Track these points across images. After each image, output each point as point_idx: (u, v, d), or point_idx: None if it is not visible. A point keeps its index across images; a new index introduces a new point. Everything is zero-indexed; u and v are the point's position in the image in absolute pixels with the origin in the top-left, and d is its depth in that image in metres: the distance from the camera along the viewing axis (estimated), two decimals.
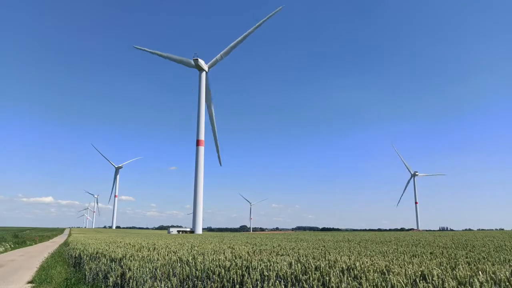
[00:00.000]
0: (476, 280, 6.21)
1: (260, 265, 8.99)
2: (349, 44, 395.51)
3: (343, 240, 27.44)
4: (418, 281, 6.63)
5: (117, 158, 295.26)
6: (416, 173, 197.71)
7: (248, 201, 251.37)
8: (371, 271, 7.68)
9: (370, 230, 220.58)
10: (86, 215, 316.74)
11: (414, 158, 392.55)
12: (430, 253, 13.64)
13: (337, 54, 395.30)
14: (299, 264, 8.70)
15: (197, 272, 9.10)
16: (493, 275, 6.65)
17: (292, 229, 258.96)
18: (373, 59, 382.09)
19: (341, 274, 7.49)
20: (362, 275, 7.24)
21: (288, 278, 7.76)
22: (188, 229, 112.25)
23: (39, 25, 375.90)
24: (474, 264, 9.07)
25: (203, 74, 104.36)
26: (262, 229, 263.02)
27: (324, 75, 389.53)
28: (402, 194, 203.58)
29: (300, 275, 7.76)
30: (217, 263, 9.63)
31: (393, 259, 10.59)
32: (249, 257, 11.06)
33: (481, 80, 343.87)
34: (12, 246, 37.21)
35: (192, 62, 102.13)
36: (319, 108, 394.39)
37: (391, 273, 7.37)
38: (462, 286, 5.99)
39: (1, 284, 13.67)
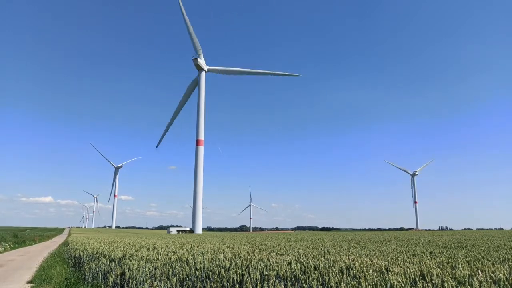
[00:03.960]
0: (475, 279, 6.21)
1: (260, 264, 9.00)
2: (349, 43, 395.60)
3: (343, 240, 27.45)
4: (417, 280, 6.63)
5: (116, 158, 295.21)
6: (416, 173, 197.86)
7: (251, 199, 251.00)
8: (371, 270, 7.68)
9: (369, 229, 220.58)
10: (86, 215, 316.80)
11: (414, 158, 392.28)
12: (430, 252, 13.65)
13: (337, 54, 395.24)
14: (298, 264, 8.70)
15: (196, 271, 9.10)
16: (492, 275, 6.65)
17: (292, 229, 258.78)
18: (373, 59, 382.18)
19: (340, 273, 7.49)
20: (361, 274, 7.24)
21: (288, 278, 7.76)
22: (187, 229, 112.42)
23: (39, 25, 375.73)
24: (474, 264, 9.07)
25: (203, 73, 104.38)
26: (261, 229, 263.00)
27: (324, 74, 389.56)
28: (395, 166, 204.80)
29: (300, 275, 7.76)
30: (216, 262, 9.63)
31: (392, 258, 10.59)
32: (248, 256, 11.06)
33: (481, 80, 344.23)
34: (11, 246, 37.20)
35: (199, 50, 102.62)
36: (319, 107, 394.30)
37: (390, 272, 7.37)
38: (462, 286, 5.99)
39: (1, 284, 13.66)
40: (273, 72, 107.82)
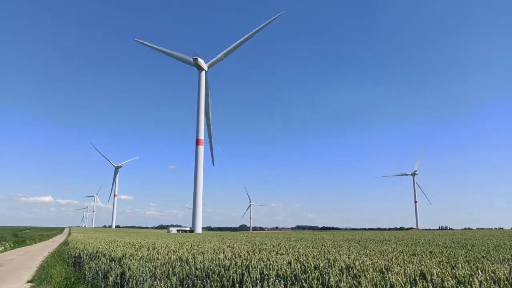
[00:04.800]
0: (475, 279, 6.22)
1: (260, 264, 9.00)
2: (349, 43, 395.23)
3: (343, 239, 27.47)
4: (417, 280, 6.63)
5: (116, 158, 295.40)
6: (416, 172, 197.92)
7: (249, 199, 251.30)
8: (371, 270, 7.69)
9: (369, 229, 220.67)
10: (86, 214, 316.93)
11: (413, 157, 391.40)
12: (430, 252, 13.66)
13: (337, 53, 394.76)
14: (298, 263, 8.70)
15: (196, 271, 9.11)
16: (492, 274, 6.66)
17: (292, 228, 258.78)
18: (373, 59, 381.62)
19: (340, 273, 7.50)
20: (361, 274, 7.24)
21: (288, 277, 7.76)
22: (187, 228, 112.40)
23: (39, 25, 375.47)
24: (474, 263, 9.08)
25: (203, 73, 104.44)
26: (261, 229, 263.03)
27: (324, 74, 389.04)
28: (390, 176, 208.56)
29: (300, 274, 7.77)
30: (216, 262, 9.64)
31: (392, 258, 10.60)
32: (248, 256, 11.06)
33: (481, 80, 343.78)
34: (11, 245, 37.20)
35: (191, 60, 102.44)
36: (319, 107, 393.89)
37: (390, 272, 7.38)
38: (462, 285, 5.99)
39: (1, 283, 13.66)
40: (260, 27, 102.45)
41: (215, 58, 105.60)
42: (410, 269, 7.38)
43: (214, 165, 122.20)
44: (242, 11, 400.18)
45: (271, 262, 9.21)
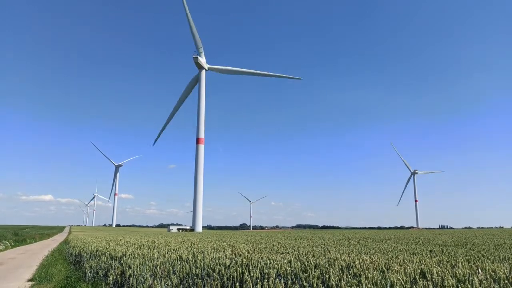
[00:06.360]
0: (475, 278, 6.22)
1: (260, 263, 9.01)
2: (349, 43, 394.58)
3: (343, 238, 27.49)
4: (418, 279, 6.63)
5: (117, 157, 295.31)
6: (416, 171, 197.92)
7: (248, 199, 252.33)
8: (371, 269, 7.69)
9: (370, 228, 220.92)
10: (86, 213, 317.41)
11: (413, 157, 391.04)
12: (430, 251, 13.66)
13: (337, 54, 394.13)
14: (298, 262, 8.71)
15: (197, 270, 9.12)
16: (492, 273, 6.66)
17: (292, 227, 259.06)
18: (373, 59, 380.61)
19: (340, 272, 7.50)
20: (361, 273, 7.25)
21: (288, 276, 7.77)
22: (188, 227, 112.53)
23: (39, 24, 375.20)
24: (474, 262, 9.08)
25: (203, 72, 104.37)
26: (262, 227, 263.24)
27: (324, 74, 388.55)
28: (403, 193, 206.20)
29: (300, 273, 7.77)
30: (217, 261, 9.65)
31: (392, 257, 10.60)
32: (249, 255, 11.07)
33: (481, 79, 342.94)
34: (12, 244, 37.24)
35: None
36: (319, 107, 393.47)
37: (390, 271, 7.38)
38: (462, 284, 6.00)
39: (1, 282, 13.68)
40: (273, 73, 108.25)
41: (217, 67, 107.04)
42: (410, 268, 7.39)
43: (153, 145, 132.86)
44: (243, 10, 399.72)
45: (272, 261, 9.22)
